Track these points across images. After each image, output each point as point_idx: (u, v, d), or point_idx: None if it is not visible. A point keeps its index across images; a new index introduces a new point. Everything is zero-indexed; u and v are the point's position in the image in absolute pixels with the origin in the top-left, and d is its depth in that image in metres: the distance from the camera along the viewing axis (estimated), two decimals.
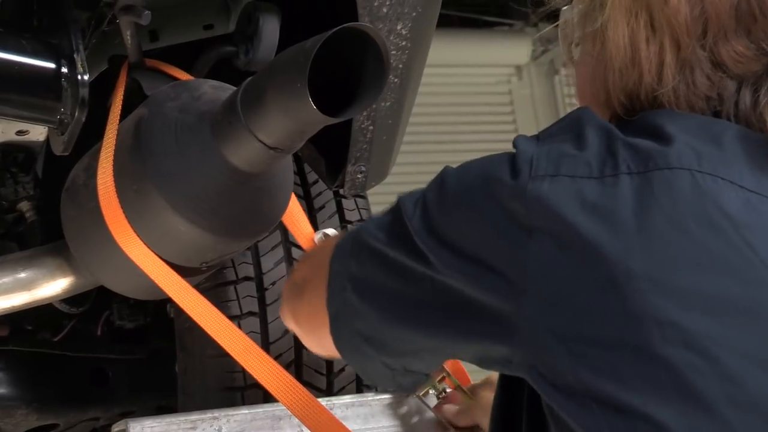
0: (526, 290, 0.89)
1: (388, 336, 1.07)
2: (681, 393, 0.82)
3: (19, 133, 1.62)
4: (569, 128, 0.96)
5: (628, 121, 1.00)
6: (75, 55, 1.38)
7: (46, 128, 1.55)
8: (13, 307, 1.58)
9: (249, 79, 1.26)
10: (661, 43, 0.98)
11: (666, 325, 0.83)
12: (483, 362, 1.00)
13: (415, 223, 1.00)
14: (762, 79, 0.98)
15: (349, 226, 1.85)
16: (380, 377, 1.17)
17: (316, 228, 1.66)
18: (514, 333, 0.91)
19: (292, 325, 1.32)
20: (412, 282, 1.00)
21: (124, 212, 1.34)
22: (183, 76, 1.48)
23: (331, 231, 1.60)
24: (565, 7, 1.13)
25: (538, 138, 0.97)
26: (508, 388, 1.06)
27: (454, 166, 1.02)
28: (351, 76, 1.17)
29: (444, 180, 1.01)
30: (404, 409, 1.59)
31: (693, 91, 0.98)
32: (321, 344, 1.22)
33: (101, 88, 1.54)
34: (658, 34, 0.98)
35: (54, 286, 1.59)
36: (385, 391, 1.71)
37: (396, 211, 1.04)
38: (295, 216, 1.58)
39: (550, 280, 0.88)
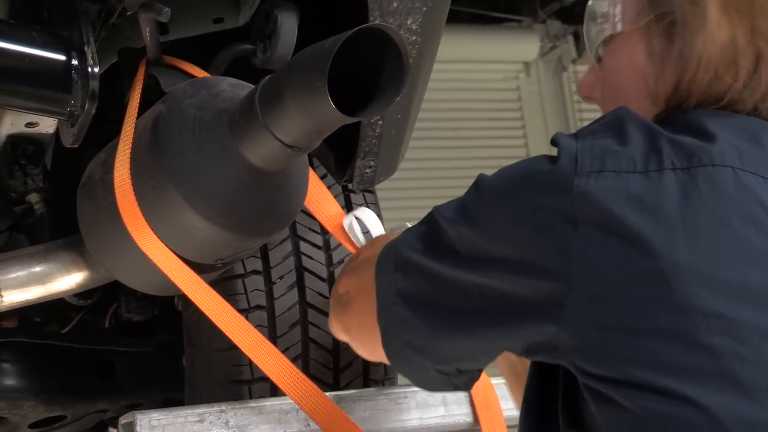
0: (572, 282, 0.91)
1: (440, 345, 1.09)
2: (724, 379, 0.85)
3: (29, 125, 1.62)
4: (611, 126, 0.98)
5: (670, 120, 1.03)
6: (85, 48, 1.38)
7: (56, 120, 1.55)
8: (28, 300, 1.59)
9: (268, 77, 1.25)
10: (758, 47, 1.03)
11: (711, 316, 0.86)
12: (530, 353, 1.02)
13: (458, 229, 1.02)
14: None
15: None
16: (435, 383, 1.19)
17: None
18: (561, 322, 0.93)
19: (342, 336, 1.37)
20: (459, 291, 1.02)
21: (140, 208, 1.34)
22: (201, 73, 1.48)
23: (363, 213, 1.60)
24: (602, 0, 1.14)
25: (578, 136, 0.99)
26: (542, 370, 1.08)
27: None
28: (369, 76, 1.17)
29: (482, 184, 1.02)
30: (411, 403, 1.60)
31: (758, 90, 1.03)
32: (373, 355, 1.27)
33: (111, 81, 1.55)
34: (757, 39, 1.02)
35: (69, 280, 1.60)
36: (391, 386, 1.72)
37: (433, 222, 1.06)
38: (319, 197, 1.59)
39: (597, 272, 0.90)
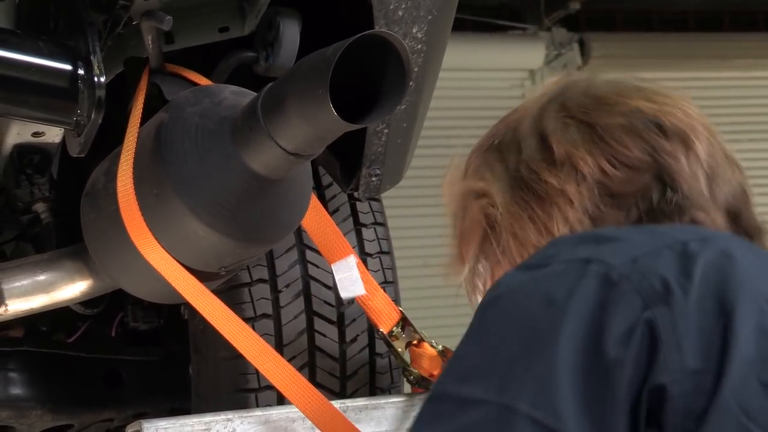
0: None
1: None
2: None
3: (36, 134, 1.63)
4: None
5: None
6: (91, 57, 1.38)
7: (62, 130, 1.56)
8: (32, 309, 1.59)
9: (270, 84, 1.26)
10: None
11: None
12: None
13: None
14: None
15: (363, 229, 1.85)
16: None
17: None
18: None
19: None
20: None
21: (143, 216, 1.35)
22: (203, 81, 1.49)
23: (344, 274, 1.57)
24: None
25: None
26: None
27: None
28: (371, 83, 1.17)
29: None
30: (417, 412, 1.59)
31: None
32: None
33: (117, 91, 1.55)
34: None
35: (73, 288, 1.60)
36: (398, 394, 1.72)
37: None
38: (328, 236, 1.55)
39: None
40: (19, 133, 1.62)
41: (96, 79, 1.38)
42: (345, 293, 1.56)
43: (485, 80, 5.81)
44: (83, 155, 1.46)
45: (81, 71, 1.38)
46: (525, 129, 1.06)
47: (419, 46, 1.48)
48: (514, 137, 1.07)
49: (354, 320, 1.79)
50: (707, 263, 0.83)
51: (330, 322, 1.77)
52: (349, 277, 1.54)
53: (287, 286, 1.75)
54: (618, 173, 1.00)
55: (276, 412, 1.50)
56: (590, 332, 0.78)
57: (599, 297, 0.80)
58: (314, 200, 1.50)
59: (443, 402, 0.83)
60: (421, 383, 1.61)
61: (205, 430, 1.44)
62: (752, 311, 0.79)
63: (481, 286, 1.10)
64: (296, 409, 1.45)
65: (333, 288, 1.75)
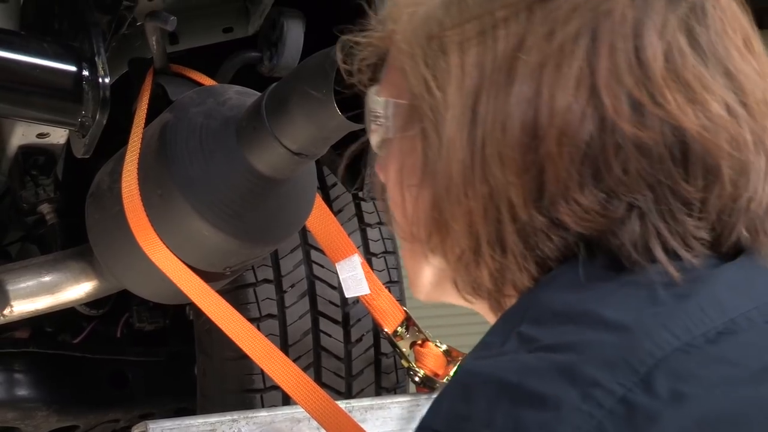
0: None
1: None
2: None
3: (40, 135, 1.63)
4: None
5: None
6: (96, 58, 1.38)
7: (67, 131, 1.56)
8: (38, 310, 1.59)
9: (274, 85, 1.26)
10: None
11: None
12: None
13: None
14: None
15: (367, 228, 1.85)
16: None
17: None
18: None
19: None
20: None
21: (148, 217, 1.35)
22: (208, 81, 1.49)
23: (348, 273, 1.57)
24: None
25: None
26: None
27: None
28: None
29: None
30: (423, 411, 1.59)
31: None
32: None
33: (121, 91, 1.55)
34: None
35: (78, 289, 1.60)
36: (403, 394, 1.72)
37: None
38: (333, 236, 1.56)
39: None
40: (24, 134, 1.62)
41: (101, 80, 1.38)
42: (349, 293, 1.56)
43: None
44: (88, 156, 1.47)
45: (86, 72, 1.39)
46: None
47: None
48: None
49: (359, 320, 1.79)
50: None
51: (335, 322, 1.77)
52: (354, 277, 1.54)
53: (292, 286, 1.76)
54: None
55: (281, 413, 1.50)
56: None
57: None
58: (318, 200, 1.51)
59: None
60: (425, 383, 1.61)
61: (210, 430, 1.45)
62: None
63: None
64: (302, 410, 1.45)
65: (338, 288, 1.75)
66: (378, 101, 0.83)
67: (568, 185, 0.72)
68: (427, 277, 0.84)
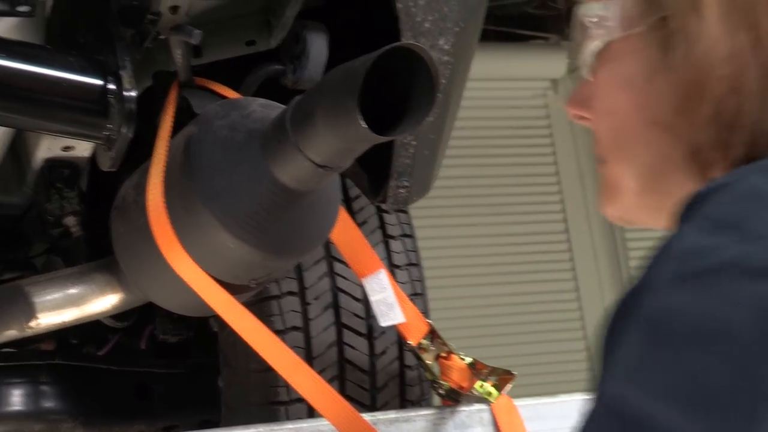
0: None
1: None
2: None
3: (66, 148, 1.64)
4: None
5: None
6: (121, 72, 1.39)
7: (92, 144, 1.57)
8: (64, 322, 1.60)
9: (298, 97, 1.26)
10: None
11: None
12: None
13: None
14: None
15: (391, 240, 1.85)
16: None
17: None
18: None
19: None
20: None
21: (173, 229, 1.35)
22: (232, 94, 1.49)
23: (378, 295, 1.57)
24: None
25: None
26: None
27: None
28: (400, 95, 1.17)
29: None
30: (448, 425, 1.59)
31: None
32: None
33: (146, 105, 1.56)
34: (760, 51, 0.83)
35: (104, 301, 1.61)
36: (428, 407, 1.71)
37: None
38: (357, 249, 1.56)
39: None
40: (50, 147, 1.63)
41: (126, 93, 1.38)
42: (384, 320, 1.55)
43: (507, 90, 5.80)
44: (114, 169, 1.47)
45: (111, 86, 1.39)
46: None
47: (446, 58, 1.48)
48: None
49: (383, 332, 1.79)
50: None
51: (359, 334, 1.77)
52: (385, 301, 1.54)
53: (316, 298, 1.76)
54: None
55: (306, 425, 1.50)
56: None
57: None
58: (343, 213, 1.51)
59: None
60: (450, 396, 1.61)
61: None
62: None
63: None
64: (326, 422, 1.44)
65: (362, 300, 1.75)
66: (594, 6, 0.92)
67: None
68: (630, 185, 0.91)
